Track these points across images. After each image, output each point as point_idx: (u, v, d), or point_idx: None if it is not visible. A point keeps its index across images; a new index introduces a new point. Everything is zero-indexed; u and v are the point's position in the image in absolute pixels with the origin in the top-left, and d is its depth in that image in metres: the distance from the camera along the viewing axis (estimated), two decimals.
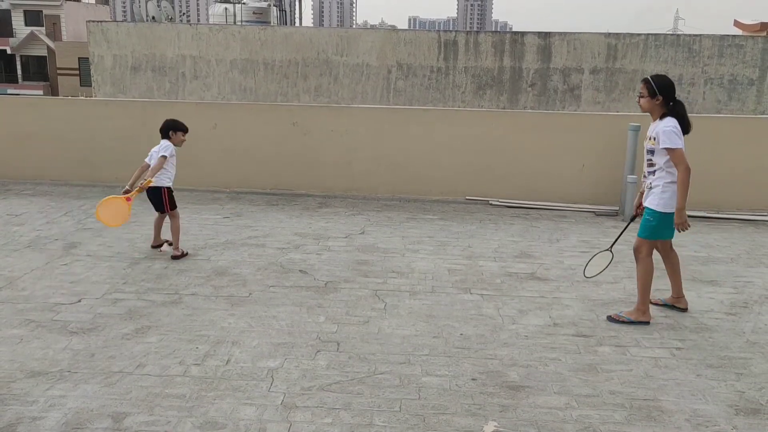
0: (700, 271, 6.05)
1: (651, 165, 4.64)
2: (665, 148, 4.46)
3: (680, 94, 15.54)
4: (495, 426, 3.38)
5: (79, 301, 4.96)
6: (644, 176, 4.77)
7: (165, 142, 6.09)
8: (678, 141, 4.44)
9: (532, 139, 8.72)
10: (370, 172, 8.97)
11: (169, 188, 6.16)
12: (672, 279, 4.97)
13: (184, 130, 6.23)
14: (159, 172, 5.98)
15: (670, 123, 4.48)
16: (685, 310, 4.95)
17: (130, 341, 4.28)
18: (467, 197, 8.86)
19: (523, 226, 7.65)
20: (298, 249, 6.45)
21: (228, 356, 4.09)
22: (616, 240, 5.35)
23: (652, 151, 4.60)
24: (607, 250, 5.19)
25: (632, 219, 5.13)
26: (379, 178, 8.97)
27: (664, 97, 4.53)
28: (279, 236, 6.89)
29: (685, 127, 4.52)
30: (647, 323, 4.70)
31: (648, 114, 4.74)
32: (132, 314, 4.72)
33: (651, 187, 4.66)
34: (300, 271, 5.79)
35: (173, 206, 6.18)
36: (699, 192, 8.40)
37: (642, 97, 4.62)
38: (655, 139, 4.54)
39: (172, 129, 6.16)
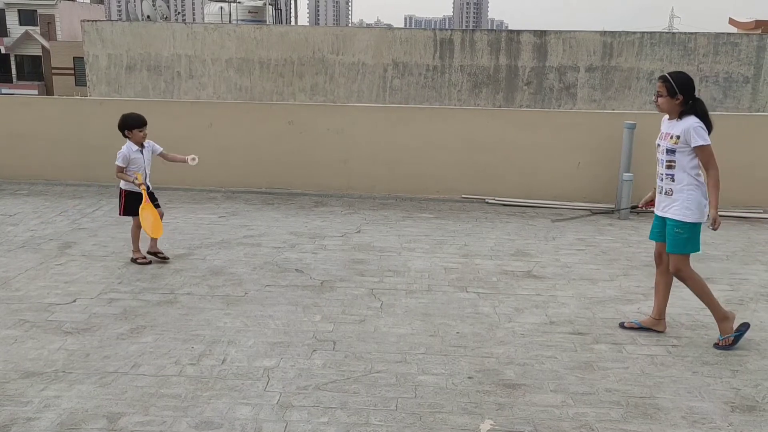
0: (696, 269, 6.04)
1: (671, 167, 4.26)
2: (696, 147, 4.12)
3: None
4: (491, 424, 3.38)
5: (74, 301, 4.94)
6: (660, 179, 4.39)
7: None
8: (708, 138, 4.13)
9: (528, 137, 8.72)
10: (366, 170, 8.96)
11: (128, 192, 5.82)
12: (661, 298, 4.57)
13: (140, 125, 5.76)
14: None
15: (697, 120, 4.16)
16: (662, 332, 4.55)
17: (125, 341, 4.26)
18: (463, 195, 8.86)
19: (519, 224, 7.65)
20: (294, 248, 6.43)
21: (224, 356, 4.08)
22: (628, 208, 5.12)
23: (673, 151, 4.22)
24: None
25: (633, 208, 4.98)
26: (375, 176, 8.96)
27: (684, 95, 4.19)
28: (275, 235, 6.88)
29: (709, 127, 4.20)
30: (747, 324, 4.41)
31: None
32: (127, 314, 4.70)
33: (671, 194, 4.29)
34: (296, 270, 5.78)
35: (128, 212, 5.84)
36: None
37: (660, 96, 4.25)
38: (678, 137, 4.18)
39: (126, 128, 5.79)
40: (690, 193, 4.23)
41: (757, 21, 21.47)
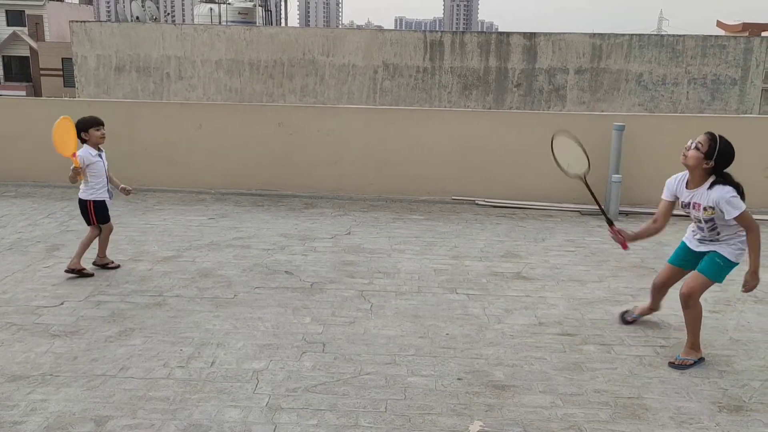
0: None
1: (713, 228, 4.09)
2: (737, 217, 3.93)
3: (664, 94, 15.71)
4: (480, 425, 3.38)
5: (62, 303, 4.90)
6: (701, 230, 4.18)
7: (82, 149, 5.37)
8: (742, 204, 3.94)
9: (518, 138, 8.74)
10: (356, 172, 8.96)
11: (96, 202, 5.43)
12: (657, 297, 4.63)
13: (97, 123, 5.38)
14: (83, 184, 5.38)
15: (729, 190, 3.95)
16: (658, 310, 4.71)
17: (114, 344, 4.24)
18: (453, 197, 8.87)
19: (509, 225, 7.67)
20: (284, 250, 6.42)
21: (213, 358, 4.06)
22: (597, 202, 4.69)
23: (712, 220, 4.05)
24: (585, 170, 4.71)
25: (609, 222, 4.48)
26: (366, 178, 8.96)
27: (716, 165, 4.00)
28: (264, 237, 6.86)
29: (740, 190, 4.00)
30: (703, 359, 4.19)
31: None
32: (115, 317, 4.68)
33: (718, 241, 4.13)
34: (286, 272, 5.77)
35: (101, 220, 5.51)
36: None
37: (698, 150, 4.03)
38: (713, 208, 3.99)
39: (82, 129, 5.35)
40: (739, 239, 4.08)
41: (744, 24, 21.66)
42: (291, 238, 6.86)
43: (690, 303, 4.14)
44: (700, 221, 4.14)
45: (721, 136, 4.07)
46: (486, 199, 8.76)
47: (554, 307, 5.09)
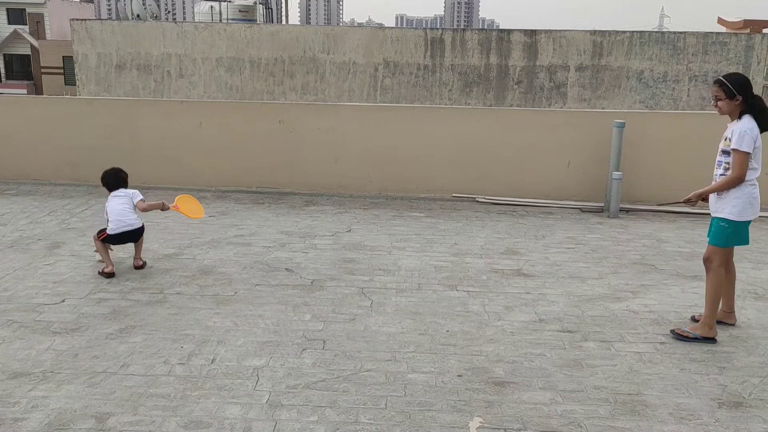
0: (684, 266, 6.10)
1: (727, 168, 4.26)
2: (732, 150, 4.15)
3: (665, 92, 15.70)
4: (480, 422, 3.39)
5: (63, 301, 4.91)
6: (715, 178, 4.38)
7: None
8: (748, 145, 4.11)
9: (519, 136, 8.74)
10: (356, 170, 8.96)
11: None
12: (726, 291, 4.56)
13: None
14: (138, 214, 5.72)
15: (747, 124, 4.15)
16: (733, 325, 4.62)
17: (114, 341, 4.25)
18: (454, 194, 8.87)
19: (509, 222, 7.67)
20: (284, 247, 6.43)
21: (213, 355, 4.07)
22: (671, 203, 5.13)
23: (728, 153, 4.23)
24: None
25: (685, 201, 4.63)
26: (366, 176, 8.96)
27: (743, 96, 4.18)
28: (265, 235, 6.87)
29: (765, 123, 4.19)
30: (714, 340, 4.36)
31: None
32: (116, 314, 4.69)
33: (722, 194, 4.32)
34: (286, 269, 5.78)
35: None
36: (683, 188, 8.46)
37: (720, 100, 4.24)
38: (730, 139, 4.20)
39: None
40: (739, 191, 4.23)
41: (745, 21, 21.62)
42: (291, 235, 6.87)
43: (708, 266, 4.41)
44: (720, 156, 4.31)
45: (725, 75, 4.30)
46: (486, 197, 8.76)
47: (554, 303, 5.09)
